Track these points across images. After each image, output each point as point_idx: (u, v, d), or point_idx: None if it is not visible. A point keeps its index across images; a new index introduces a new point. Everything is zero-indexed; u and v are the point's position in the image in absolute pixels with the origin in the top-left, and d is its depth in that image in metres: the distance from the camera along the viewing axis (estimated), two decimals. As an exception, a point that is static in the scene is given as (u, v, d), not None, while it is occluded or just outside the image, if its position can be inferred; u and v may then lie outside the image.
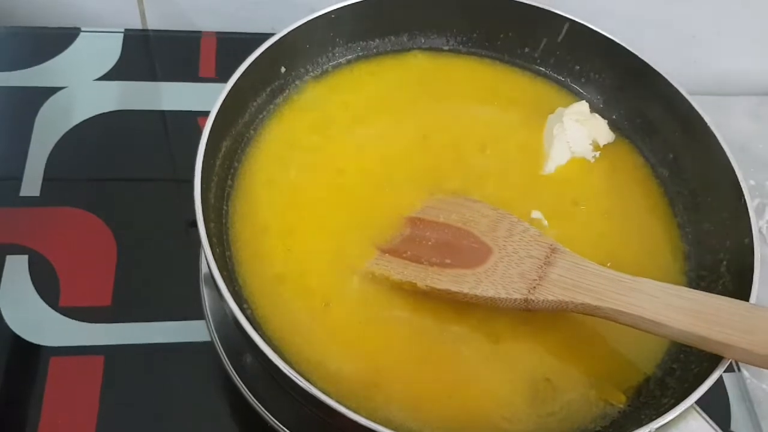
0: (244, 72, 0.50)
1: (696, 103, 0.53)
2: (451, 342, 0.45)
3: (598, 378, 0.45)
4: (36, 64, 0.70)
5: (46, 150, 0.64)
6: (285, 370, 0.38)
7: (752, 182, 0.79)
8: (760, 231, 0.74)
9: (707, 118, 0.52)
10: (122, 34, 0.74)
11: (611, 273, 0.43)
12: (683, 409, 0.39)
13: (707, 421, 0.41)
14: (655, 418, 0.39)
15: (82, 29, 0.74)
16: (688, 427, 0.40)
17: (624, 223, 0.53)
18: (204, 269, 0.55)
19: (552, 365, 0.45)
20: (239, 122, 0.52)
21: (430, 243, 0.48)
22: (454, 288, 0.45)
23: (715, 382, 0.60)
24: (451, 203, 0.50)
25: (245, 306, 0.46)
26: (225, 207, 0.50)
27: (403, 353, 0.45)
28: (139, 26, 0.77)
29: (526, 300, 0.43)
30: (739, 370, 0.62)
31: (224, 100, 0.48)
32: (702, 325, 0.40)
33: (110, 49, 0.72)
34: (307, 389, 0.38)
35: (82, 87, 0.69)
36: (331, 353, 0.44)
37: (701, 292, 0.42)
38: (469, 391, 0.44)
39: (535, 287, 0.43)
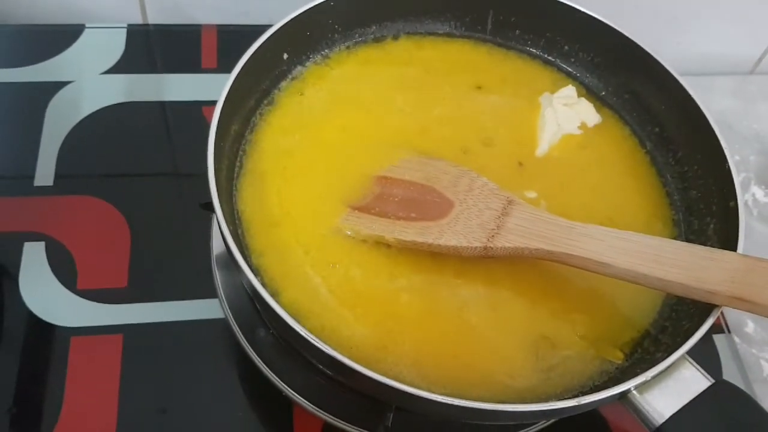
0: (249, 58, 0.52)
1: (680, 77, 0.55)
2: (457, 304, 0.48)
3: (594, 335, 0.48)
4: (44, 60, 0.72)
5: (57, 141, 0.66)
6: (301, 332, 0.40)
7: (737, 158, 0.82)
8: (746, 203, 0.77)
9: (691, 91, 0.54)
10: (125, 29, 0.76)
11: (562, 221, 0.46)
12: (676, 357, 0.42)
13: (699, 370, 0.43)
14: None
15: (87, 25, 0.75)
16: (682, 375, 0.43)
17: (615, 195, 0.56)
18: (215, 250, 0.57)
19: (550, 324, 0.48)
20: (246, 106, 0.54)
21: (396, 199, 0.51)
22: (419, 239, 0.48)
23: (708, 344, 0.62)
24: (415, 162, 0.53)
25: (259, 278, 0.48)
26: (235, 188, 0.52)
27: (411, 316, 0.47)
28: (140, 21, 0.78)
29: (485, 248, 0.46)
30: (729, 332, 0.64)
31: (232, 84, 0.50)
32: (643, 264, 0.43)
33: (114, 44, 0.74)
34: (324, 350, 0.40)
35: (89, 81, 0.71)
36: (344, 319, 0.46)
37: (644, 234, 0.45)
38: (473, 350, 0.46)
39: (493, 236, 0.47)
